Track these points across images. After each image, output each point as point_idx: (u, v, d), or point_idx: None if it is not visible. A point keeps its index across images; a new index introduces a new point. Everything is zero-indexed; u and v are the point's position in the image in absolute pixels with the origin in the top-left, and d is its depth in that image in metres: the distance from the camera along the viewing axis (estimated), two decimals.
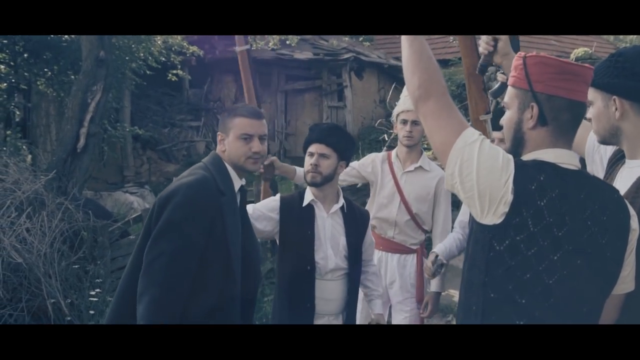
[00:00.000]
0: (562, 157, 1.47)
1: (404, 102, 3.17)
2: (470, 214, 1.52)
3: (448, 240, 3.10)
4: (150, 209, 2.21)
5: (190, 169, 2.29)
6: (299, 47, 11.96)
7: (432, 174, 3.28)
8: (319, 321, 2.67)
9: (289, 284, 2.66)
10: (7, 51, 7.40)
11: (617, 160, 1.79)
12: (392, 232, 3.28)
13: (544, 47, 11.74)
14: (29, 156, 7.18)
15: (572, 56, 9.90)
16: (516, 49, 1.96)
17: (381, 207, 3.27)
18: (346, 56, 12.22)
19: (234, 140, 2.25)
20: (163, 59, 8.90)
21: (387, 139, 8.80)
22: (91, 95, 5.86)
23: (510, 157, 1.43)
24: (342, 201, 2.75)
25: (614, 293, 1.52)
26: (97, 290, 4.49)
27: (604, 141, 1.75)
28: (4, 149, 6.05)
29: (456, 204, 4.05)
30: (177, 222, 2.07)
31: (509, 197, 1.38)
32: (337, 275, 2.70)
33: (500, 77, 2.10)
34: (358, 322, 3.12)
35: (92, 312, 4.29)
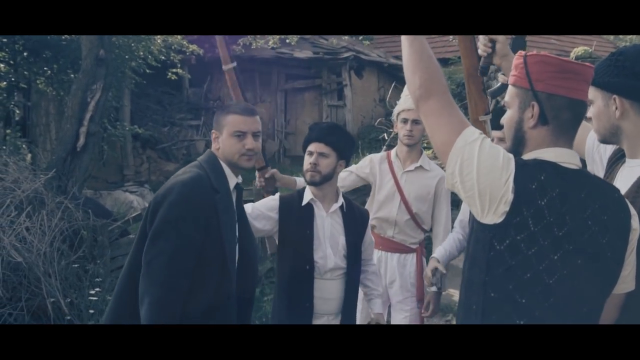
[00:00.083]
0: (562, 156, 1.47)
1: (405, 101, 3.17)
2: (470, 213, 1.52)
3: (448, 242, 3.11)
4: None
5: (184, 167, 2.29)
6: (298, 46, 11.96)
7: (432, 173, 3.28)
8: (318, 321, 2.67)
9: (288, 283, 2.66)
10: (7, 50, 7.39)
11: (617, 160, 1.79)
12: (392, 231, 3.28)
13: (543, 46, 11.75)
14: (29, 155, 7.18)
15: (572, 55, 9.91)
16: (522, 48, 1.96)
17: (381, 206, 3.27)
18: (346, 55, 12.22)
19: (228, 137, 2.25)
20: (163, 57, 8.89)
21: (387, 138, 8.80)
22: (91, 94, 5.86)
23: (511, 156, 1.43)
24: (341, 200, 2.74)
25: (614, 292, 1.52)
26: (97, 289, 4.48)
27: (604, 140, 1.75)
28: (4, 147, 6.04)
29: (456, 203, 4.05)
30: (173, 220, 2.07)
31: (510, 197, 1.38)
32: (337, 274, 2.70)
33: (501, 78, 2.10)
34: (358, 322, 3.12)
35: (91, 311, 4.29)
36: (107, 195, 8.84)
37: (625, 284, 1.52)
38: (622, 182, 1.67)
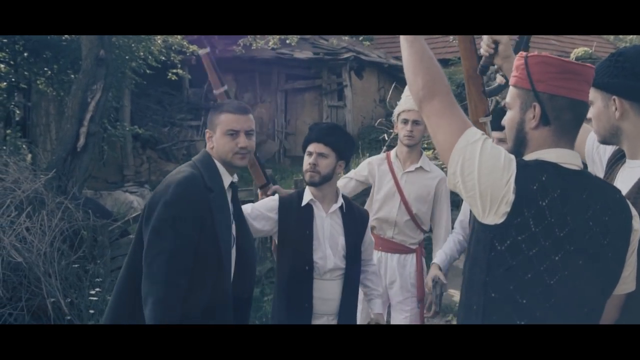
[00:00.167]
0: (564, 157, 1.47)
1: (405, 102, 3.17)
2: (471, 214, 1.52)
3: (448, 245, 3.10)
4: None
5: (178, 167, 2.30)
6: (298, 47, 11.96)
7: (432, 174, 3.28)
8: (317, 321, 2.67)
9: (287, 283, 2.66)
10: (7, 50, 7.39)
11: (616, 160, 1.79)
12: (392, 232, 3.28)
13: (543, 47, 11.74)
14: (29, 155, 7.18)
15: (572, 56, 9.90)
16: (526, 48, 1.96)
17: (381, 206, 3.27)
18: (346, 55, 12.22)
19: (221, 136, 2.26)
20: (163, 58, 8.88)
21: (387, 138, 8.80)
22: (91, 94, 5.86)
23: (512, 157, 1.43)
24: (341, 201, 2.74)
25: (615, 293, 1.52)
26: (97, 289, 4.48)
27: (604, 141, 1.75)
28: (4, 148, 6.04)
29: (456, 203, 4.05)
30: (170, 219, 2.08)
31: (511, 197, 1.38)
32: (336, 275, 2.70)
33: (499, 78, 2.10)
34: (358, 322, 3.12)
35: (91, 311, 4.29)
36: (107, 196, 8.84)
37: (625, 284, 1.52)
38: (623, 182, 1.67)
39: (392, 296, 3.30)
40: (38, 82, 7.94)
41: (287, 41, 11.15)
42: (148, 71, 8.52)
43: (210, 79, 2.81)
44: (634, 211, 1.49)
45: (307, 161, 2.69)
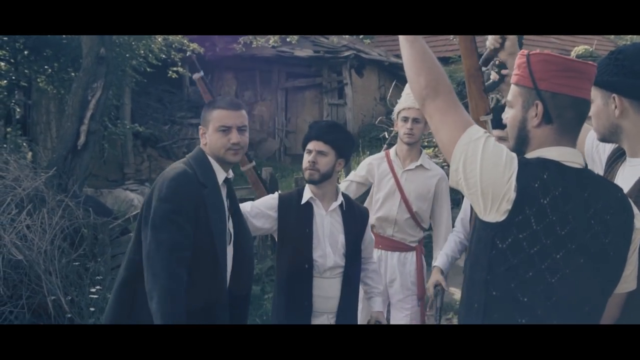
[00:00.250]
0: (565, 155, 1.46)
1: (405, 100, 3.17)
2: (472, 212, 1.53)
3: (449, 246, 3.10)
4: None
5: (172, 164, 2.31)
6: (299, 45, 11.96)
7: (432, 172, 3.29)
8: (317, 319, 2.67)
9: (287, 281, 2.67)
10: (8, 48, 7.39)
11: (616, 158, 1.79)
12: (392, 230, 3.28)
13: (544, 45, 11.73)
14: (30, 153, 7.19)
15: (573, 54, 9.90)
16: (519, 46, 1.96)
17: (381, 205, 3.27)
18: (346, 54, 12.22)
19: (213, 132, 2.26)
20: (163, 56, 8.88)
21: (387, 136, 8.80)
22: (91, 92, 5.86)
23: (514, 155, 1.43)
24: (340, 199, 2.74)
25: (616, 292, 1.51)
26: (98, 287, 4.49)
27: (603, 139, 1.74)
28: (5, 146, 6.04)
29: (456, 201, 4.05)
30: (167, 214, 2.10)
31: (512, 195, 1.38)
32: (336, 273, 2.70)
33: (493, 75, 2.10)
34: (359, 321, 3.12)
35: (92, 309, 4.29)
36: (107, 194, 8.85)
37: (627, 283, 1.52)
38: (624, 181, 1.66)
39: (393, 294, 3.30)
40: (38, 80, 7.94)
41: (288, 39, 11.15)
42: (148, 69, 8.52)
43: (206, 100, 2.82)
44: (635, 210, 1.49)
45: (306, 159, 2.69)
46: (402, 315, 3.27)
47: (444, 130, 1.49)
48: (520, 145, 1.53)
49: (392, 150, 3.36)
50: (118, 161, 10.76)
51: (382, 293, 2.99)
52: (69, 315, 4.18)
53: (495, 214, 1.40)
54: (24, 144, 7.13)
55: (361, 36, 12.99)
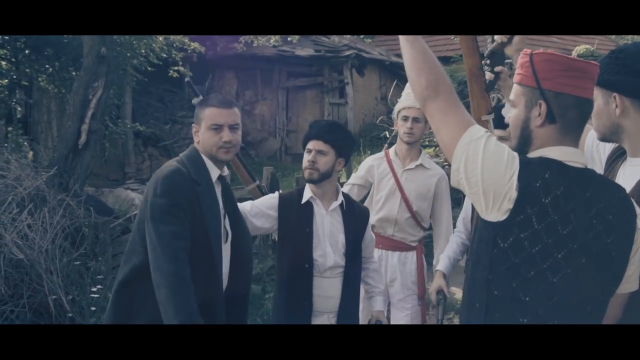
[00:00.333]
0: (568, 155, 1.46)
1: (406, 99, 3.17)
2: (474, 211, 1.52)
3: (451, 248, 3.09)
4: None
5: (166, 162, 2.32)
6: (300, 44, 11.96)
7: (432, 171, 3.28)
8: (317, 319, 2.67)
9: (287, 281, 2.67)
10: (9, 47, 7.39)
11: (616, 158, 1.78)
12: (392, 229, 3.28)
13: (545, 44, 11.72)
14: (31, 152, 7.19)
15: (574, 53, 9.90)
16: None
17: (382, 205, 3.27)
18: (347, 53, 12.21)
19: (205, 130, 2.27)
20: (164, 55, 8.88)
21: (388, 136, 8.80)
22: (92, 91, 5.86)
23: (515, 154, 1.43)
24: (341, 198, 2.74)
25: (618, 292, 1.51)
26: (99, 286, 4.49)
27: (604, 138, 1.74)
28: (6, 145, 6.04)
29: (457, 201, 4.04)
30: (165, 208, 2.11)
31: (514, 194, 1.37)
32: (336, 272, 2.70)
33: (487, 74, 2.10)
34: (360, 321, 3.12)
35: (93, 308, 4.29)
36: (108, 193, 8.84)
37: (629, 283, 1.52)
38: (625, 180, 1.66)
39: (393, 294, 3.30)
40: (39, 79, 7.94)
41: (289, 39, 11.14)
42: (149, 68, 8.52)
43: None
44: (638, 210, 1.49)
45: (306, 158, 2.69)
46: (403, 314, 3.27)
47: (445, 130, 1.49)
48: (523, 144, 1.53)
49: (391, 150, 3.35)
50: (119, 160, 10.76)
51: (382, 292, 2.99)
52: (70, 315, 4.18)
53: (496, 213, 1.40)
54: (25, 143, 7.12)
55: (362, 35, 12.99)
